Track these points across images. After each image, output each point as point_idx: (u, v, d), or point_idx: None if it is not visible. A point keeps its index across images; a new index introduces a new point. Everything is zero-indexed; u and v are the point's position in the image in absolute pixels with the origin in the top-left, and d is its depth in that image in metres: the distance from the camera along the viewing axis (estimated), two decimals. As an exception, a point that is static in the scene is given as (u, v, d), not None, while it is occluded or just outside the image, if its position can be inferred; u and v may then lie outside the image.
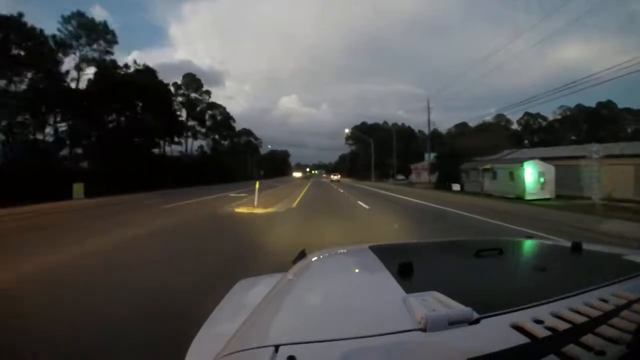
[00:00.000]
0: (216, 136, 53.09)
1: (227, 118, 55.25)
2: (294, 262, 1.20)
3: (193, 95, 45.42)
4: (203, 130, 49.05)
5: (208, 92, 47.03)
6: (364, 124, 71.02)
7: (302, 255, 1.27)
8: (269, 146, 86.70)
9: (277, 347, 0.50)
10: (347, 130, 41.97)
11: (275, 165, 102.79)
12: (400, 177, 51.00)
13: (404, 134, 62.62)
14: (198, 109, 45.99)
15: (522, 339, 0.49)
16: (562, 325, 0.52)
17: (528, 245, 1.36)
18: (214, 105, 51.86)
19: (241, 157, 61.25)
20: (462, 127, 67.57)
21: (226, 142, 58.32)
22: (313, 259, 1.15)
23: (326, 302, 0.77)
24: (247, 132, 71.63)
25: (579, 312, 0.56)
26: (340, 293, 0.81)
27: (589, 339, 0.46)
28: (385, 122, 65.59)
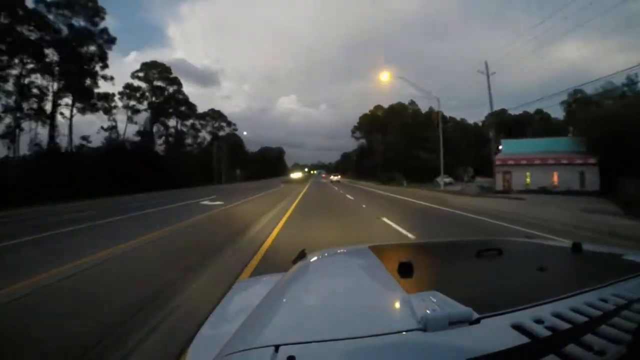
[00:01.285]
0: (151, 116, 34.09)
1: (172, 81, 35.65)
2: (294, 262, 1.18)
3: (79, 23, 24.04)
4: (131, 103, 30.62)
5: (98, 11, 24.43)
6: (378, 107, 53.32)
7: (302, 255, 1.25)
8: (245, 132, 66.86)
9: (277, 347, 0.50)
10: (384, 76, 22.86)
11: (270, 165, 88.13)
12: (447, 179, 33.04)
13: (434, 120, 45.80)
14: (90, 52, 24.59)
15: (522, 339, 0.48)
16: (562, 325, 0.52)
17: (528, 245, 1.36)
18: (152, 65, 33.45)
19: (207, 151, 43.34)
20: (500, 115, 50.22)
21: (186, 128, 40.28)
22: (313, 259, 1.14)
23: (326, 302, 0.76)
24: (214, 115, 48.11)
25: (579, 312, 0.56)
26: (340, 293, 0.81)
27: (589, 339, 0.46)
28: (412, 102, 47.85)
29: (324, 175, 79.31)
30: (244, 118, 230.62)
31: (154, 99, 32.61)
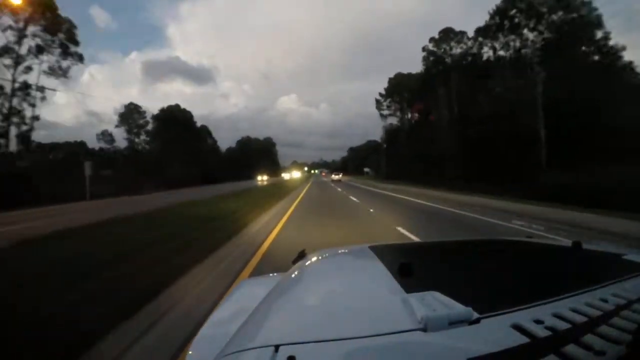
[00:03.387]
0: None
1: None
2: (294, 262, 1.19)
3: None
4: None
5: None
6: (448, 32, 28.45)
7: (302, 255, 1.26)
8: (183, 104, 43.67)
9: (277, 347, 0.50)
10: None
11: (255, 162, 67.76)
12: None
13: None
14: None
15: (522, 339, 0.48)
16: (562, 325, 0.52)
17: (528, 245, 1.35)
18: None
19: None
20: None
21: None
22: (313, 259, 1.14)
23: (326, 302, 0.76)
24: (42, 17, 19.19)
25: (579, 312, 0.56)
26: (340, 293, 0.81)
27: (589, 339, 0.46)
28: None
29: (323, 174, 75.87)
30: (243, 117, 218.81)
31: None
